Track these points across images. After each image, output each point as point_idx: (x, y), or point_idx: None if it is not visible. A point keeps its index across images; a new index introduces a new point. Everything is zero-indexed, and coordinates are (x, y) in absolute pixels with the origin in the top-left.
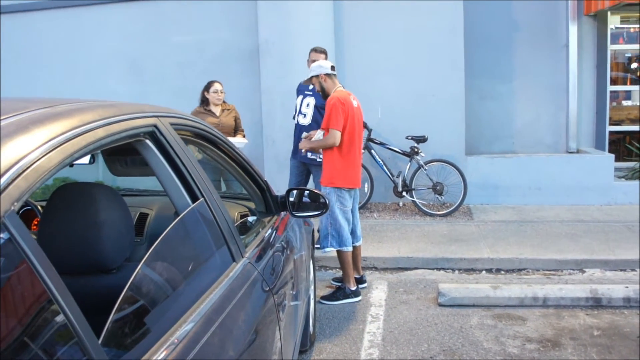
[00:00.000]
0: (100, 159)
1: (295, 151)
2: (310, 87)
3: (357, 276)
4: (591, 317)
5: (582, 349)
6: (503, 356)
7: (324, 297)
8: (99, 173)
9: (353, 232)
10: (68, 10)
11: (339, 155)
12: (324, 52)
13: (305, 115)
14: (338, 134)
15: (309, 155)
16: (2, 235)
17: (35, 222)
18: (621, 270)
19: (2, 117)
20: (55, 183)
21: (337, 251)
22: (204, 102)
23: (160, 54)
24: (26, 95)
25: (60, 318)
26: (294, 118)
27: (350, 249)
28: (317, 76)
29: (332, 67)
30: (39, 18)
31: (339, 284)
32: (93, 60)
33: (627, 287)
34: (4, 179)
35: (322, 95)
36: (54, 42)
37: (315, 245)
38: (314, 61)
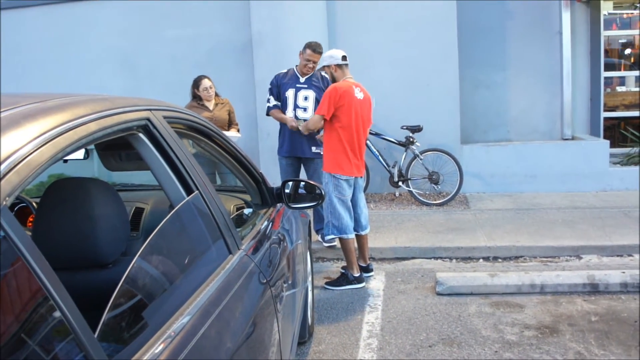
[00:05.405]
0: (95, 154)
1: (290, 148)
2: (302, 79)
3: (364, 264)
4: (589, 303)
5: (580, 335)
6: (501, 343)
7: (328, 283)
8: (95, 169)
9: (357, 221)
10: (61, 6)
11: (337, 144)
12: (321, 53)
13: (305, 109)
14: (318, 117)
15: (313, 149)
16: None
17: (31, 219)
18: (618, 255)
19: None
20: (50, 180)
21: (339, 238)
22: (196, 97)
23: (153, 48)
24: (19, 92)
25: (55, 313)
26: (268, 113)
27: (351, 236)
28: (328, 66)
29: (344, 57)
30: (33, 14)
31: (343, 271)
32: (86, 56)
33: (623, 272)
34: None
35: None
36: (48, 38)
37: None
38: (308, 60)
